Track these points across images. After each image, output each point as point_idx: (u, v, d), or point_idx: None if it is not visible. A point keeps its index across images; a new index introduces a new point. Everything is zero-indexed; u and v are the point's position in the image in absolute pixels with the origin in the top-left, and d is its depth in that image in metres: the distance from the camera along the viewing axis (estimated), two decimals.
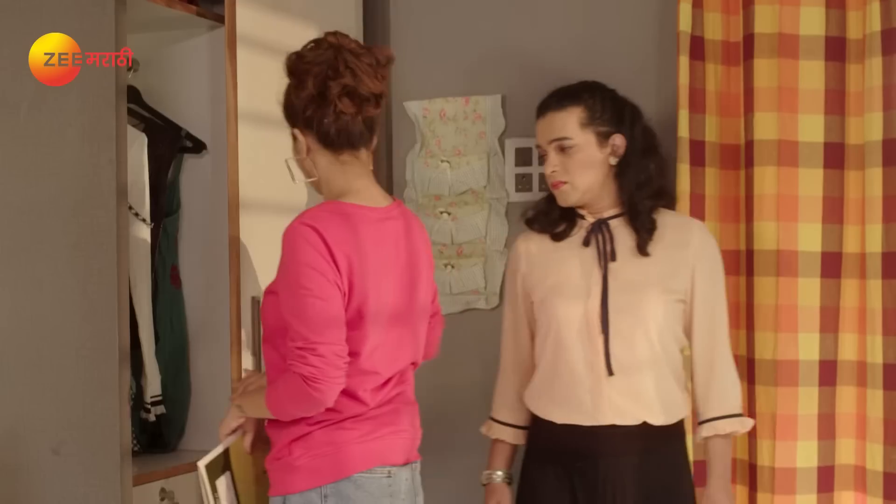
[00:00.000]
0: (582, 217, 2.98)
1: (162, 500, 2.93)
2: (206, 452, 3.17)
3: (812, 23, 3.24)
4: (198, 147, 3.24)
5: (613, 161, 2.92)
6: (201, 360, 3.26)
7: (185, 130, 3.22)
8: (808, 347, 3.24)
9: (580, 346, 2.89)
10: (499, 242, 3.73)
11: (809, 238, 3.25)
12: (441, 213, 3.78)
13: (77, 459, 2.66)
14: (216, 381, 3.22)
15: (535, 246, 3.04)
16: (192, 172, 3.27)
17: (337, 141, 2.69)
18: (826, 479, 3.26)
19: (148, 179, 3.14)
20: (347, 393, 2.57)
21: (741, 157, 3.31)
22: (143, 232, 3.11)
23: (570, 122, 2.92)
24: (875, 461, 3.18)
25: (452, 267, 3.77)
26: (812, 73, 3.25)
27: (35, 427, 2.70)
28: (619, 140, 2.92)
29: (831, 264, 3.26)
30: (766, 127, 3.25)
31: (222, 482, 2.71)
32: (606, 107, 2.94)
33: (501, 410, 3.14)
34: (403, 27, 3.87)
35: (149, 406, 3.13)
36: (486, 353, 3.74)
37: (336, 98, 2.64)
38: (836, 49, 3.25)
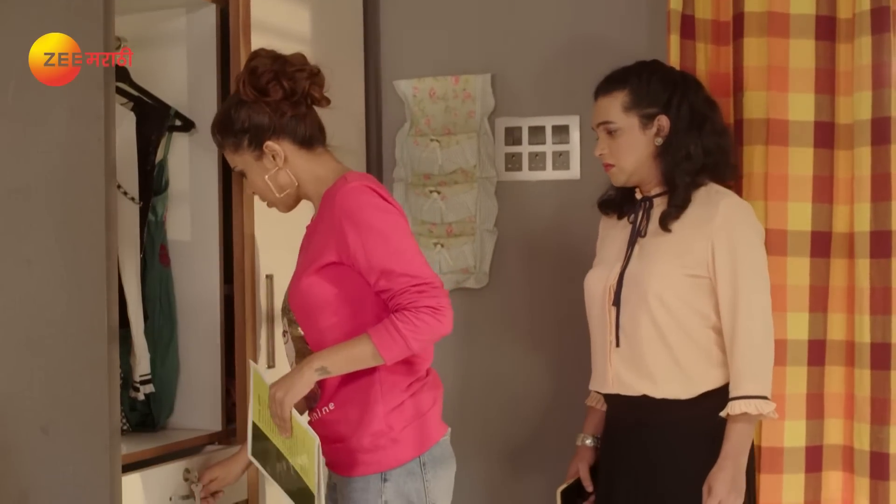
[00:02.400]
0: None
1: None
2: (196, 431, 3.18)
3: (802, 1, 3.24)
4: (187, 126, 3.23)
5: (659, 142, 2.96)
6: (190, 340, 3.26)
7: (173, 109, 3.21)
8: (796, 327, 3.24)
9: (600, 318, 3.00)
10: (489, 221, 3.73)
11: (799, 217, 3.25)
12: (431, 192, 3.78)
13: (66, 438, 2.66)
14: (205, 360, 3.22)
15: (606, 222, 3.16)
16: (181, 151, 3.26)
17: (317, 136, 2.79)
18: (814, 458, 3.27)
19: (136, 158, 3.13)
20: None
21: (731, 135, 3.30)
22: (132, 211, 3.10)
23: (614, 107, 2.98)
24: (862, 441, 3.19)
25: (442, 246, 3.77)
26: (802, 52, 3.25)
27: (24, 406, 2.70)
28: (664, 121, 2.96)
29: (820, 244, 3.26)
30: (755, 106, 3.25)
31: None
32: (653, 88, 2.97)
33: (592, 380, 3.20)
34: (393, 6, 3.86)
35: (138, 385, 3.13)
36: (476, 332, 3.75)
37: (308, 89, 2.74)
38: (826, 28, 3.25)
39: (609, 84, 3.01)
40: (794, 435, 3.24)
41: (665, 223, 2.93)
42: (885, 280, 3.13)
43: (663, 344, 2.90)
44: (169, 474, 2.90)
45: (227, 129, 2.77)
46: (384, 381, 2.68)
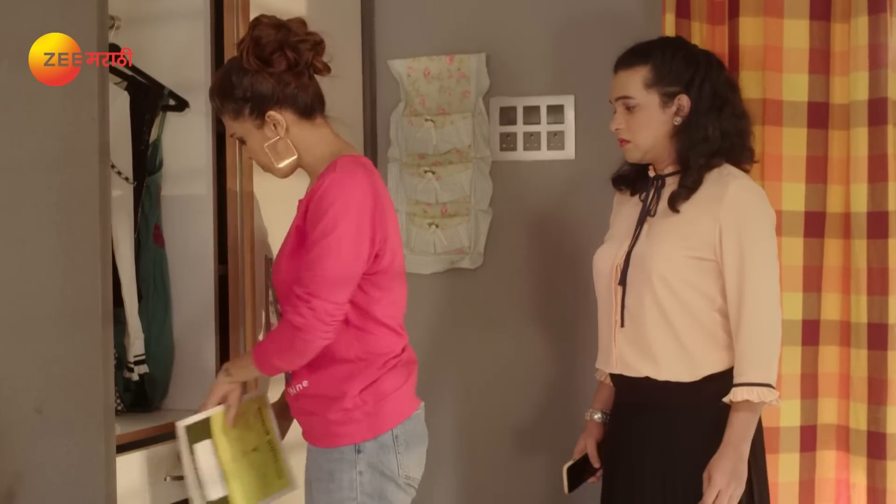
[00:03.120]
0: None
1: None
2: (189, 412, 3.17)
3: None
4: (180, 105, 3.22)
5: (678, 121, 2.90)
6: (184, 320, 3.25)
7: (167, 89, 3.20)
8: (790, 307, 3.25)
9: (606, 297, 2.97)
10: (483, 202, 3.72)
11: (793, 197, 3.25)
12: (425, 172, 3.77)
13: (60, 419, 2.65)
14: (199, 340, 3.22)
15: (620, 197, 3.11)
16: (175, 131, 3.25)
17: (317, 106, 2.77)
18: (809, 438, 3.28)
19: (130, 138, 3.12)
20: (394, 329, 2.75)
21: None
22: (126, 191, 3.09)
23: (634, 82, 2.91)
24: (858, 420, 3.19)
25: (437, 226, 3.76)
26: (797, 32, 3.25)
27: (18, 386, 2.69)
28: (684, 100, 2.89)
29: (814, 224, 3.27)
30: (750, 86, 3.25)
31: (203, 447, 2.75)
32: (676, 66, 2.90)
33: (598, 358, 3.17)
34: None
35: (132, 365, 3.12)
36: (470, 312, 3.75)
37: (311, 60, 2.72)
38: (822, 8, 3.25)
39: (631, 57, 2.93)
40: (789, 415, 3.25)
41: (674, 203, 2.87)
42: (882, 260, 3.13)
43: (667, 326, 2.85)
44: (164, 454, 2.90)
45: (228, 95, 2.76)
46: (358, 361, 2.71)
